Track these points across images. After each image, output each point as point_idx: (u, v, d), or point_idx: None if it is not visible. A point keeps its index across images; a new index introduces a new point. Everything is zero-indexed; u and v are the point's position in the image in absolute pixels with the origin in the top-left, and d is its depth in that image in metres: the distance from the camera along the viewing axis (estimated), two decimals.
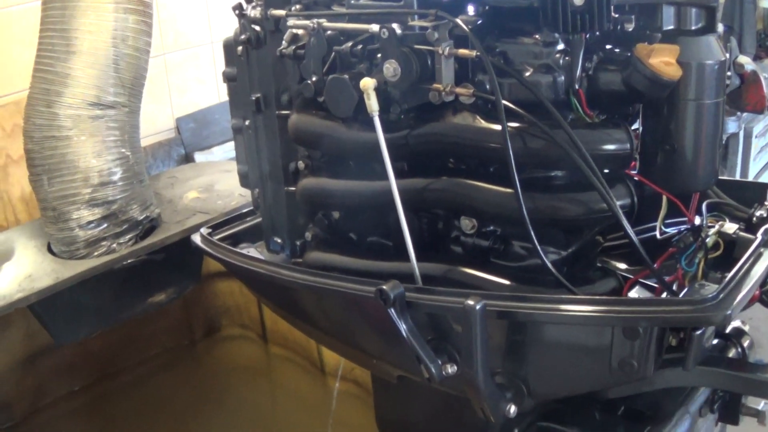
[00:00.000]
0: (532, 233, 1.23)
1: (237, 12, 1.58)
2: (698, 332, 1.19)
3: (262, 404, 2.79)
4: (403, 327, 1.22)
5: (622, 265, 1.46)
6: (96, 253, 2.25)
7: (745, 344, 1.50)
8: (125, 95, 2.21)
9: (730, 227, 1.40)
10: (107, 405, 2.69)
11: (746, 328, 1.54)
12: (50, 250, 2.30)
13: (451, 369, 1.25)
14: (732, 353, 1.49)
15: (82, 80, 2.14)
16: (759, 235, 1.32)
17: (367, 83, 1.30)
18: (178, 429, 2.63)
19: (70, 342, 2.39)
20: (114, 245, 2.26)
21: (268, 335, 2.92)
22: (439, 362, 1.25)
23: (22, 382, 2.52)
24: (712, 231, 1.37)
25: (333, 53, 1.41)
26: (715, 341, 1.48)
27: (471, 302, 1.14)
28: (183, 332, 2.94)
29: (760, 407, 1.49)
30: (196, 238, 1.67)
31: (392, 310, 1.21)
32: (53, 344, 2.40)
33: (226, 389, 2.80)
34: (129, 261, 2.29)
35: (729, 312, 1.11)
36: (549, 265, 1.26)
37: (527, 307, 1.19)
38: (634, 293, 1.37)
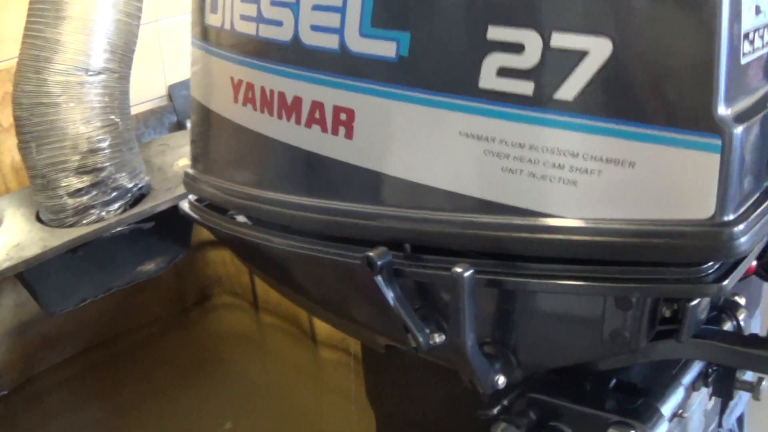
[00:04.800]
0: None
1: None
2: (692, 304, 1.16)
3: (253, 372, 2.79)
4: (390, 295, 1.19)
5: None
6: (85, 221, 2.23)
7: (741, 317, 1.48)
8: (115, 61, 2.18)
9: None
10: (98, 374, 2.70)
11: (742, 301, 1.52)
12: (39, 219, 2.28)
13: (439, 338, 1.22)
14: (727, 326, 1.47)
15: (72, 46, 2.12)
16: None
17: None
18: (170, 396, 2.63)
19: (60, 311, 2.37)
20: (103, 213, 2.24)
21: (260, 303, 2.92)
22: (427, 331, 1.21)
23: (12, 351, 2.52)
24: None
25: None
26: (710, 314, 1.45)
27: (459, 269, 1.10)
28: (174, 301, 2.94)
29: (754, 382, 1.46)
30: (184, 205, 1.64)
31: (379, 278, 1.18)
32: (42, 313, 2.39)
33: (218, 357, 2.81)
34: (118, 229, 2.27)
35: (725, 283, 1.07)
36: None
37: (518, 274, 1.16)
38: None
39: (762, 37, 1.09)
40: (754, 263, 1.38)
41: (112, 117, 2.20)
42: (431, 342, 1.22)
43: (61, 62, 2.12)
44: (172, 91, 2.91)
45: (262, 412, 2.54)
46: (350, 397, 2.41)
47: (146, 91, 2.85)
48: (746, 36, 1.05)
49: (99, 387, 2.65)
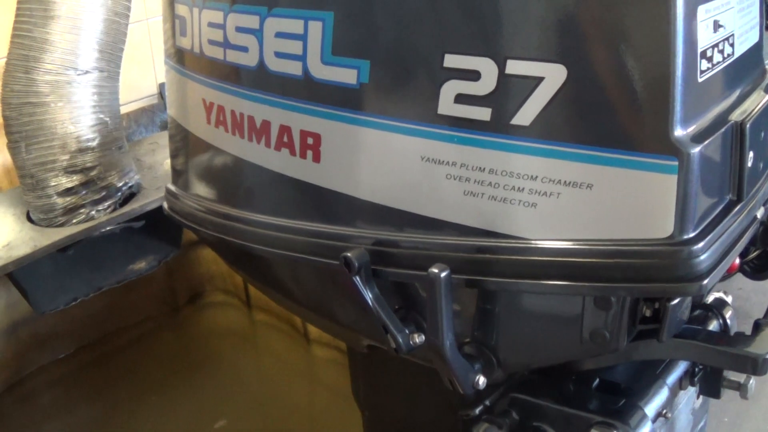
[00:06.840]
0: None
1: None
2: (673, 303, 1.15)
3: (246, 370, 2.78)
4: (368, 295, 1.18)
5: None
6: (74, 221, 2.22)
7: (727, 315, 1.47)
8: (104, 60, 2.17)
9: None
10: (90, 373, 2.69)
11: (729, 299, 1.51)
12: (29, 218, 2.28)
13: (418, 339, 1.22)
14: (713, 324, 1.46)
15: (60, 45, 2.11)
16: None
17: None
18: (163, 395, 2.62)
19: (50, 311, 2.36)
20: (93, 212, 2.23)
21: (252, 301, 2.92)
22: (407, 332, 1.21)
23: (3, 351, 2.51)
24: None
25: None
26: (696, 312, 1.45)
27: (435, 270, 1.10)
28: (166, 299, 2.93)
29: (742, 380, 1.46)
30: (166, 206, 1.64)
31: (357, 278, 1.17)
32: (34, 313, 2.39)
33: (210, 356, 2.80)
34: (108, 228, 2.26)
35: (705, 282, 1.06)
36: None
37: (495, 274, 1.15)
38: None
39: (722, 51, 1.09)
40: (737, 261, 1.38)
41: (101, 116, 2.19)
42: (411, 342, 1.21)
43: (50, 62, 2.11)
44: (163, 89, 2.90)
45: (254, 410, 2.54)
46: (342, 395, 2.40)
47: (137, 89, 2.84)
48: (703, 54, 1.04)
49: (91, 386, 2.64)
